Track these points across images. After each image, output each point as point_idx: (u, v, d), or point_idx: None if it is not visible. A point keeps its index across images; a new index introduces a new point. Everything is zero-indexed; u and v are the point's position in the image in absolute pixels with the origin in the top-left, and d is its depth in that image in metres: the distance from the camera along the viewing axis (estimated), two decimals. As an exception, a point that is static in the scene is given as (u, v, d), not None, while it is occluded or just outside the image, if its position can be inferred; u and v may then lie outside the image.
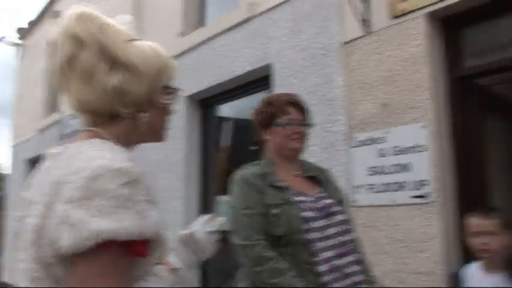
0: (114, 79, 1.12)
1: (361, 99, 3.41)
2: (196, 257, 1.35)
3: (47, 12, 9.86)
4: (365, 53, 3.46)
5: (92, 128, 1.16)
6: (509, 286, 2.21)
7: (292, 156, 2.22)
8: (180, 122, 5.26)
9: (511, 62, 2.99)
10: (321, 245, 2.00)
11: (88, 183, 0.95)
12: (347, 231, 2.13)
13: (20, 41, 11.43)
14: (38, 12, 10.41)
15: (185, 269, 1.28)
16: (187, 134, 5.24)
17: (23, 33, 11.17)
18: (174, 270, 1.21)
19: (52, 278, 0.99)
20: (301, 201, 2.06)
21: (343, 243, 2.07)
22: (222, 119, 5.47)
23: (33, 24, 10.70)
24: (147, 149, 5.78)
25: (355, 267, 2.07)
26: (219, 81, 4.86)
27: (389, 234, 3.14)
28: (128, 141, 1.19)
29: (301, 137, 2.20)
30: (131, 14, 6.46)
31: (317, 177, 2.25)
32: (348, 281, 2.00)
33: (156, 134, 1.27)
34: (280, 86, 4.05)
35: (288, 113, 2.20)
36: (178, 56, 5.41)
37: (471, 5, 3.06)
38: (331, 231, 2.06)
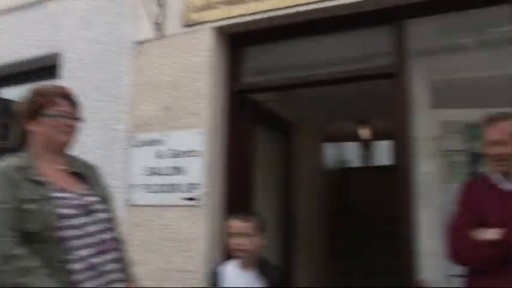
0: None
1: (146, 100, 3.47)
2: None
3: None
4: (155, 56, 3.53)
5: None
6: (258, 282, 2.47)
7: (58, 149, 2.14)
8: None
9: (284, 83, 3.37)
10: (77, 242, 1.97)
11: None
12: (108, 230, 2.14)
13: None
14: None
15: None
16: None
17: None
18: None
19: None
20: (60, 198, 2.00)
21: (102, 242, 2.07)
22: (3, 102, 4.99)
23: None
24: None
25: (113, 266, 2.08)
26: (3, 63, 4.44)
27: (160, 233, 3.24)
28: None
29: (70, 130, 2.14)
30: None
31: (83, 174, 2.22)
32: (102, 279, 2.02)
33: None
34: (68, 77, 3.88)
35: (58, 105, 2.12)
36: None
37: (255, 27, 3.35)
38: (91, 229, 2.05)
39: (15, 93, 4.77)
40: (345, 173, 9.46)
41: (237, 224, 2.53)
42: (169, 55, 3.46)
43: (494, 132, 2.21)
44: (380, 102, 3.40)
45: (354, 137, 7.37)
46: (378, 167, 9.48)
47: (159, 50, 3.52)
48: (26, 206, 1.91)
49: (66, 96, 2.17)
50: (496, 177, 2.26)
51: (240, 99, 3.42)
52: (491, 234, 2.10)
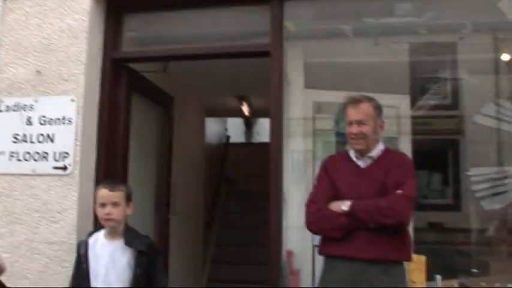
0: None
1: (15, 62, 3.24)
2: None
3: None
4: (26, 15, 3.29)
5: None
6: (125, 250, 2.48)
7: None
8: None
9: (164, 54, 3.36)
10: None
11: None
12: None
13: None
14: None
15: None
16: None
17: None
18: None
19: None
20: None
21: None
22: None
23: None
24: None
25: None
26: None
27: (27, 204, 3.09)
28: None
29: None
30: None
31: None
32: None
33: None
34: None
35: None
36: None
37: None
38: None
39: None
40: (227, 148, 9.66)
41: (104, 193, 2.51)
42: (43, 15, 3.25)
43: (354, 113, 2.42)
44: (259, 81, 3.52)
45: (238, 113, 7.52)
46: (258, 144, 9.82)
47: (32, 9, 3.29)
48: None
49: None
50: (354, 155, 2.47)
51: (117, 68, 3.34)
52: (342, 206, 2.31)
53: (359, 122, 2.39)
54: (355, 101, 2.44)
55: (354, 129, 2.40)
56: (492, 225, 3.53)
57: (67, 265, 2.95)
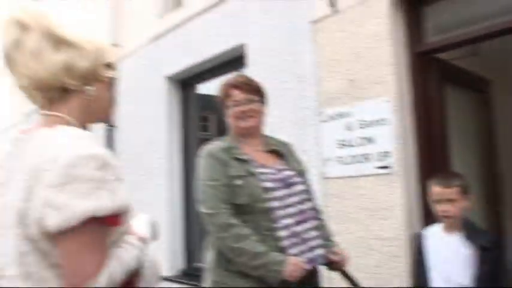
0: (61, 55, 1.26)
1: (329, 75, 3.55)
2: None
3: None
4: (332, 32, 3.59)
5: (53, 113, 1.30)
6: (464, 245, 2.39)
7: (247, 134, 2.36)
8: (161, 102, 5.41)
9: (468, 37, 3.14)
10: (281, 212, 2.17)
11: (66, 170, 1.12)
12: (306, 200, 2.30)
13: None
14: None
15: (150, 240, 1.47)
16: (168, 114, 5.38)
17: None
18: (142, 239, 1.37)
19: (39, 252, 1.16)
20: (263, 173, 2.22)
21: (302, 211, 2.24)
22: (201, 97, 5.61)
23: None
24: (131, 131, 5.90)
25: (313, 233, 2.24)
26: (197, 61, 4.97)
27: (356, 203, 3.32)
28: (82, 119, 1.34)
29: (248, 116, 2.33)
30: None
31: (279, 151, 2.41)
32: (305, 246, 2.18)
33: (104, 111, 1.42)
34: (254, 65, 4.18)
35: (231, 96, 2.35)
36: (157, 38, 5.52)
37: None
38: (291, 200, 2.23)
39: (211, 87, 5.32)
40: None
41: (438, 190, 2.47)
42: (346, 28, 3.48)
43: None
44: None
45: None
46: None
47: (336, 25, 3.57)
48: (235, 181, 2.16)
49: (236, 85, 2.37)
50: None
51: (423, 61, 3.28)
52: None
53: None
54: None
55: None
56: None
57: (399, 260, 3.04)
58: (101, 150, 1.19)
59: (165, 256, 5.08)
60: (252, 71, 4.04)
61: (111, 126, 6.14)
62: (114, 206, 1.16)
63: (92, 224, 1.12)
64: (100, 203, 1.12)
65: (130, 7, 6.19)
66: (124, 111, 5.48)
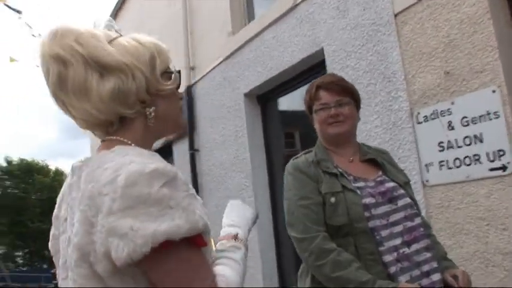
0: (108, 84, 1.09)
1: (421, 71, 3.17)
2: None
3: None
4: (419, 22, 3.21)
5: (111, 137, 1.15)
6: None
7: (336, 141, 2.06)
8: (241, 120, 5.22)
9: None
10: (385, 232, 1.84)
11: (126, 192, 0.95)
12: (414, 216, 1.95)
13: None
14: None
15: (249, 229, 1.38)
16: (249, 131, 5.18)
17: None
18: (235, 237, 1.26)
19: None
20: (360, 187, 1.92)
21: (410, 229, 1.90)
22: (283, 113, 5.38)
23: None
24: (214, 150, 5.79)
25: (427, 254, 1.88)
26: (273, 74, 4.75)
27: (467, 212, 2.89)
28: (147, 140, 1.18)
29: (338, 120, 2.02)
30: (182, 20, 6.53)
31: (376, 160, 2.08)
32: (418, 271, 1.83)
33: (172, 123, 1.25)
34: (335, 69, 3.87)
35: (319, 98, 2.06)
36: (231, 55, 5.38)
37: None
38: (396, 216, 1.90)
39: (295, 102, 5.08)
40: None
41: None
42: (436, 14, 3.09)
43: None
44: None
45: None
46: None
47: (422, 13, 3.19)
48: (329, 199, 1.87)
49: (323, 86, 2.08)
50: None
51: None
52: None
53: None
54: None
55: None
56: None
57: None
58: (165, 165, 1.03)
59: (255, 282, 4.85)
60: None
61: (194, 150, 6.07)
62: (192, 225, 0.98)
63: (172, 247, 0.96)
64: (174, 224, 0.95)
65: (202, 28, 6.14)
66: (203, 133, 5.37)
